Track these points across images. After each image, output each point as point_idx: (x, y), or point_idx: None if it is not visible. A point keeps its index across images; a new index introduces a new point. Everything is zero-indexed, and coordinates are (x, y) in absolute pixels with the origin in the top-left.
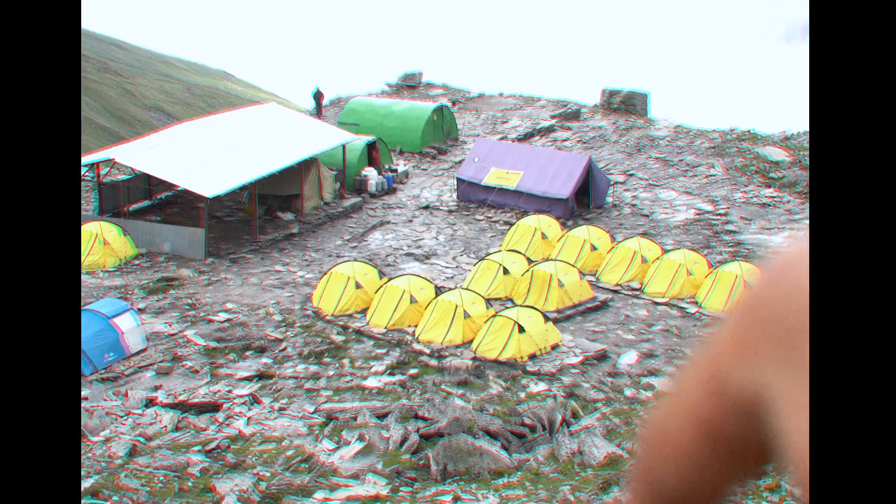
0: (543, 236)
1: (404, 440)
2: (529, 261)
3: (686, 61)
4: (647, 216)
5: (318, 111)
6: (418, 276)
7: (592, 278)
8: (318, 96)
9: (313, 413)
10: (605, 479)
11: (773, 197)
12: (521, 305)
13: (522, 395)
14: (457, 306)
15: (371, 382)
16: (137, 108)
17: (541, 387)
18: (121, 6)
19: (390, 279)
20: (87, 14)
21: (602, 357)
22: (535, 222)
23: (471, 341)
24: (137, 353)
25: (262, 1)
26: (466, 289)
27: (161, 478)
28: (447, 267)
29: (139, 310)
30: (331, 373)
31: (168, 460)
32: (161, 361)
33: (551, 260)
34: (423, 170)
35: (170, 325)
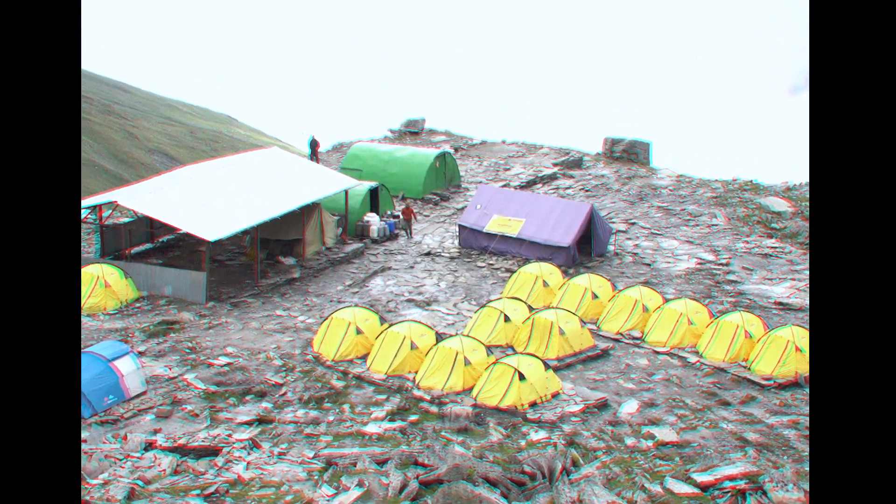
0: (545, 284)
1: (404, 487)
2: (530, 308)
3: (689, 111)
4: (649, 265)
5: (315, 160)
6: (419, 322)
7: (593, 326)
8: (313, 144)
9: (313, 458)
10: None
11: (775, 247)
12: (521, 353)
13: (523, 442)
14: (457, 353)
15: (371, 428)
16: (140, 151)
17: (541, 435)
18: (125, 50)
19: (391, 325)
20: (92, 56)
21: (603, 406)
22: (536, 270)
23: (471, 388)
24: (137, 396)
25: (266, 47)
26: (467, 336)
27: None
28: (448, 313)
29: (139, 353)
30: (331, 418)
31: None
32: (161, 405)
33: (552, 308)
34: (424, 216)
35: (170, 369)
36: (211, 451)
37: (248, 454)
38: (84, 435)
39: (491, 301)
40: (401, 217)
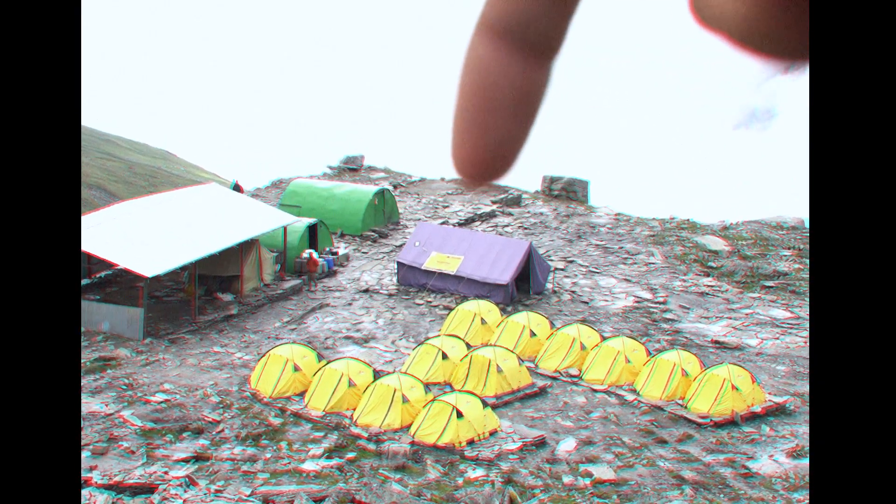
0: (483, 321)
1: None
2: (468, 346)
3: (627, 150)
4: (587, 303)
5: None
6: (357, 359)
7: (531, 364)
8: (236, 189)
9: (250, 496)
10: None
11: (712, 286)
12: (459, 391)
13: (460, 480)
14: (395, 390)
15: (308, 466)
16: None
17: (479, 472)
18: None
19: (329, 362)
20: None
21: (540, 444)
22: (474, 307)
23: (409, 426)
24: None
25: (204, 82)
26: (405, 373)
27: None
28: (386, 351)
29: None
30: (268, 455)
31: None
32: (97, 442)
33: (490, 345)
34: (363, 253)
35: (106, 406)
36: (147, 489)
37: (185, 492)
38: None
39: (429, 338)
40: (306, 269)
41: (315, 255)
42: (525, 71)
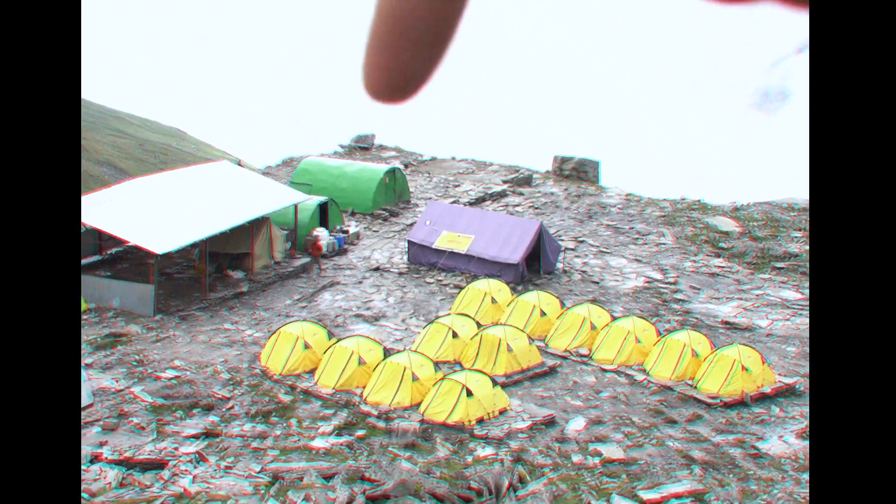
0: (493, 301)
1: (350, 502)
2: (479, 325)
3: (638, 130)
4: (597, 283)
5: None
6: (367, 337)
7: (541, 344)
8: None
9: (259, 473)
10: None
11: (722, 267)
12: (469, 369)
13: (469, 459)
14: (405, 368)
15: (318, 443)
16: (89, 163)
17: (488, 451)
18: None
19: (339, 340)
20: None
21: (550, 423)
22: (485, 286)
23: (419, 404)
24: (83, 408)
25: (216, 59)
26: (415, 351)
27: None
28: (396, 329)
29: (86, 365)
30: (278, 432)
31: None
32: (107, 417)
33: (500, 324)
34: (374, 231)
35: (116, 382)
36: (157, 465)
37: (195, 468)
38: None
39: (439, 317)
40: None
41: (321, 239)
42: (439, 1)
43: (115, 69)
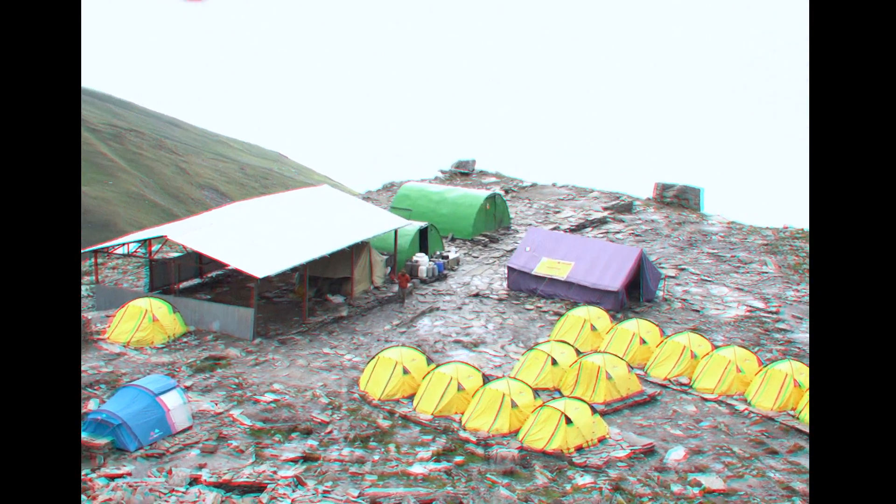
0: (593, 328)
1: None
2: (578, 352)
3: (741, 157)
4: (698, 311)
5: None
6: (466, 363)
7: (641, 372)
8: None
9: (358, 497)
10: None
11: None
12: (568, 397)
13: (568, 487)
14: (504, 395)
15: (416, 469)
16: (191, 186)
17: (587, 479)
18: (180, 86)
19: (438, 366)
20: (146, 92)
21: (649, 452)
22: (584, 314)
23: (517, 431)
24: (183, 430)
25: (317, 85)
26: (514, 378)
27: None
28: (495, 355)
29: (186, 388)
30: (376, 457)
31: None
32: (206, 440)
33: (600, 352)
34: (474, 257)
35: (216, 404)
36: (256, 488)
37: (293, 492)
38: (129, 468)
39: (538, 344)
40: (397, 284)
41: (420, 265)
42: None
43: (219, 95)
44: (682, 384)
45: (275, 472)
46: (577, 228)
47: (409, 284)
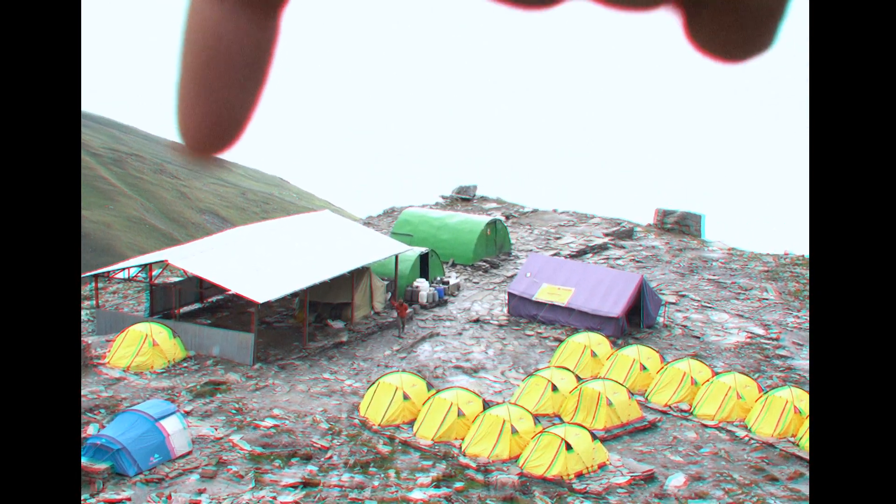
0: (593, 354)
1: None
2: (578, 378)
3: (742, 184)
4: (699, 338)
5: None
6: (466, 389)
7: (641, 398)
8: None
9: None
10: None
11: None
12: (569, 423)
13: None
14: (504, 421)
15: (416, 495)
16: (192, 210)
17: None
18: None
19: (438, 391)
20: (145, 116)
21: (650, 478)
22: (585, 340)
23: (517, 457)
24: (183, 456)
25: (319, 111)
26: (514, 404)
27: None
28: (495, 381)
29: (186, 413)
30: (376, 483)
31: None
32: (206, 465)
33: (600, 378)
34: (474, 283)
35: (216, 430)
36: None
37: None
38: (128, 493)
39: (539, 370)
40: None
41: (421, 289)
42: (252, 27)
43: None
44: (682, 410)
45: (274, 498)
46: (578, 254)
47: (408, 311)
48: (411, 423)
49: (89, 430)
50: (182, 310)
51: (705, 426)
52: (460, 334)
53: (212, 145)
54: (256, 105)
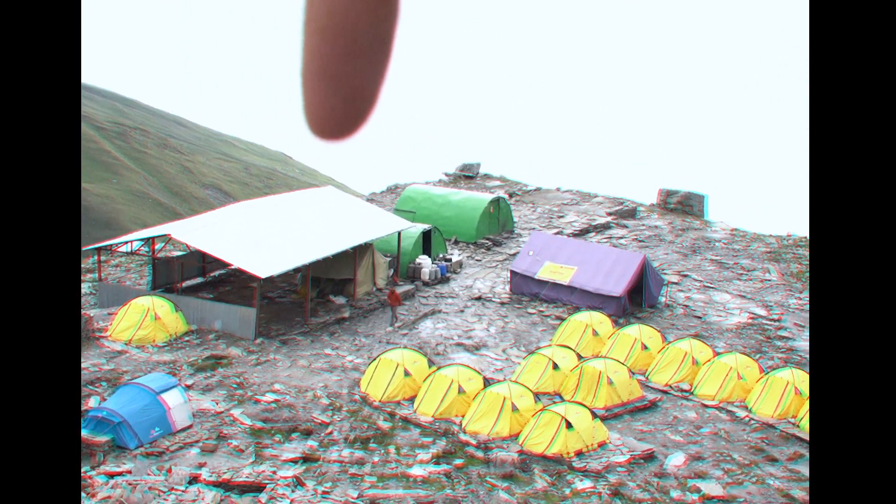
0: (595, 333)
1: None
2: (579, 357)
3: (746, 164)
4: (700, 318)
5: None
6: (467, 366)
7: (642, 377)
8: None
9: (357, 499)
10: None
11: None
12: (569, 401)
13: (568, 491)
14: (505, 399)
15: (416, 471)
16: (195, 185)
17: (586, 484)
18: (186, 86)
19: (439, 368)
20: (151, 90)
21: (649, 457)
22: (586, 318)
23: (518, 435)
24: (183, 429)
25: None
26: (515, 382)
27: None
28: (497, 359)
29: (187, 386)
30: (376, 459)
31: None
32: (206, 439)
33: (601, 357)
34: (477, 260)
35: (217, 404)
36: (255, 488)
37: (292, 492)
38: (129, 466)
39: (540, 348)
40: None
41: (424, 267)
42: (374, 7)
43: (225, 95)
44: (683, 390)
45: (274, 472)
46: (581, 233)
47: (398, 302)
48: (412, 399)
49: (90, 403)
50: (184, 284)
51: (706, 406)
52: (462, 312)
53: (338, 130)
54: (381, 88)
